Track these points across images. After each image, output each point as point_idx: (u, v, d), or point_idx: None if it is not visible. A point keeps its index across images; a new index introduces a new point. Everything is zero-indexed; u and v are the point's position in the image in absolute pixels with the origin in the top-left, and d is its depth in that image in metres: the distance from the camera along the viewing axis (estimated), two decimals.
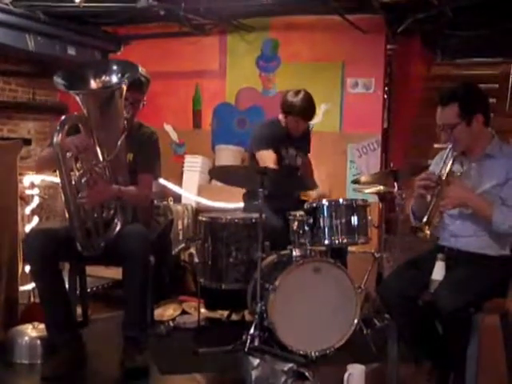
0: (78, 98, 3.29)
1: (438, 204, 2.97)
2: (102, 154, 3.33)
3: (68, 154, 3.23)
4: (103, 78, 3.39)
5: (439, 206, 2.97)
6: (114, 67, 3.44)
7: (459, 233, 3.08)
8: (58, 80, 3.30)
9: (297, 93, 4.40)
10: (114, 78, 3.38)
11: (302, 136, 4.63)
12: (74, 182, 3.27)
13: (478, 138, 3.06)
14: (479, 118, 3.02)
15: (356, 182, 4.51)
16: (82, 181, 3.30)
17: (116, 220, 3.46)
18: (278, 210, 4.18)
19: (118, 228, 3.45)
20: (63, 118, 3.22)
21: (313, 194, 4.39)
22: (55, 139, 3.14)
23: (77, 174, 3.32)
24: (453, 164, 3.03)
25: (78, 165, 3.35)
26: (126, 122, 3.52)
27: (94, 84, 3.38)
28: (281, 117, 4.48)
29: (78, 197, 3.27)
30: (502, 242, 3.03)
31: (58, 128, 3.16)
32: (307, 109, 4.40)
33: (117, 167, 3.45)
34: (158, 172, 3.82)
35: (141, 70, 3.59)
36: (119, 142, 3.36)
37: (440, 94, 3.12)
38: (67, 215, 3.33)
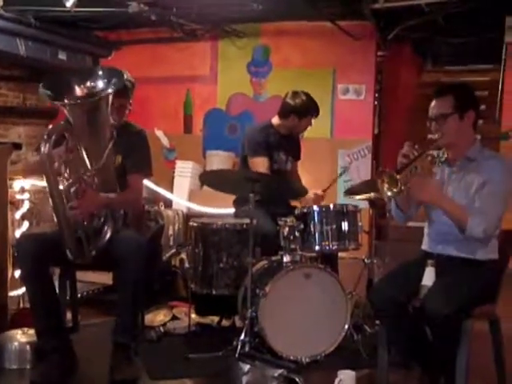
0: (63, 108, 3.26)
1: (413, 174, 2.94)
2: (90, 162, 3.30)
3: (55, 164, 3.21)
4: (88, 85, 3.35)
5: (413, 176, 2.93)
6: (100, 74, 3.41)
7: (446, 239, 3.09)
8: (43, 90, 3.28)
9: (296, 94, 4.44)
10: (100, 85, 3.34)
11: (293, 141, 4.65)
12: (63, 192, 3.24)
13: (464, 137, 3.08)
14: (471, 116, 3.05)
15: (348, 193, 4.52)
16: (71, 190, 3.29)
17: (106, 227, 3.44)
18: (268, 216, 4.19)
19: (108, 235, 3.42)
20: (50, 128, 3.20)
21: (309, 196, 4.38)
22: (42, 150, 3.11)
23: (65, 182, 3.29)
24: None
25: (66, 174, 3.32)
26: (113, 129, 3.47)
27: (79, 92, 3.35)
28: (278, 121, 4.49)
29: (68, 207, 3.25)
30: (489, 246, 3.04)
31: (45, 138, 3.12)
32: (316, 103, 4.50)
33: (105, 174, 3.43)
34: (149, 170, 3.78)
35: (126, 74, 3.58)
36: (107, 151, 3.33)
37: (436, 88, 3.17)
38: (57, 225, 3.31)
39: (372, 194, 4.28)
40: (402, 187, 2.87)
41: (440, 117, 3.04)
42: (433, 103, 3.09)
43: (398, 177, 2.86)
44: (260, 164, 4.32)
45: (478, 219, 2.89)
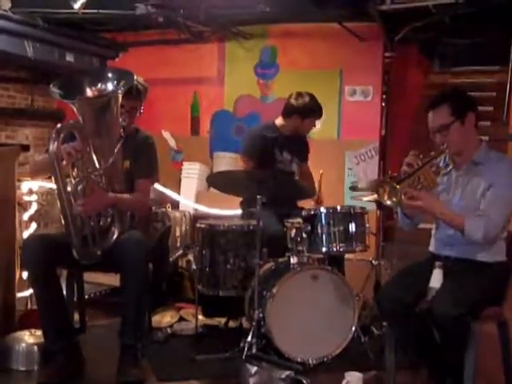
0: (73, 107, 3.29)
1: (412, 183, 2.94)
2: (98, 162, 3.32)
3: (64, 161, 3.22)
4: (99, 85, 3.40)
5: (413, 186, 2.93)
6: (110, 75, 3.45)
7: (453, 242, 3.07)
8: (54, 89, 3.31)
9: (300, 95, 4.46)
10: (110, 86, 3.39)
11: (299, 142, 4.65)
12: (70, 190, 3.26)
13: (470, 141, 3.07)
14: (471, 118, 3.04)
15: (353, 188, 4.52)
16: (78, 188, 3.30)
17: (113, 228, 3.45)
18: (275, 217, 4.19)
19: (115, 236, 3.43)
20: (58, 126, 3.21)
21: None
22: (51, 147, 3.13)
23: (73, 181, 3.31)
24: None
25: (74, 172, 3.34)
26: (122, 130, 3.52)
27: (89, 92, 3.39)
28: (282, 121, 4.50)
29: (75, 205, 3.26)
30: (496, 248, 3.04)
31: (53, 136, 3.14)
32: (320, 105, 4.51)
33: (113, 175, 3.45)
34: (156, 176, 3.80)
35: (138, 78, 3.60)
36: (115, 150, 3.37)
37: (428, 100, 3.15)
38: (64, 223, 3.32)
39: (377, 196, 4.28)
40: (402, 197, 2.87)
41: (442, 128, 3.02)
42: (430, 116, 3.06)
43: (398, 187, 2.86)
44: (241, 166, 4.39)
45: (476, 222, 2.89)
